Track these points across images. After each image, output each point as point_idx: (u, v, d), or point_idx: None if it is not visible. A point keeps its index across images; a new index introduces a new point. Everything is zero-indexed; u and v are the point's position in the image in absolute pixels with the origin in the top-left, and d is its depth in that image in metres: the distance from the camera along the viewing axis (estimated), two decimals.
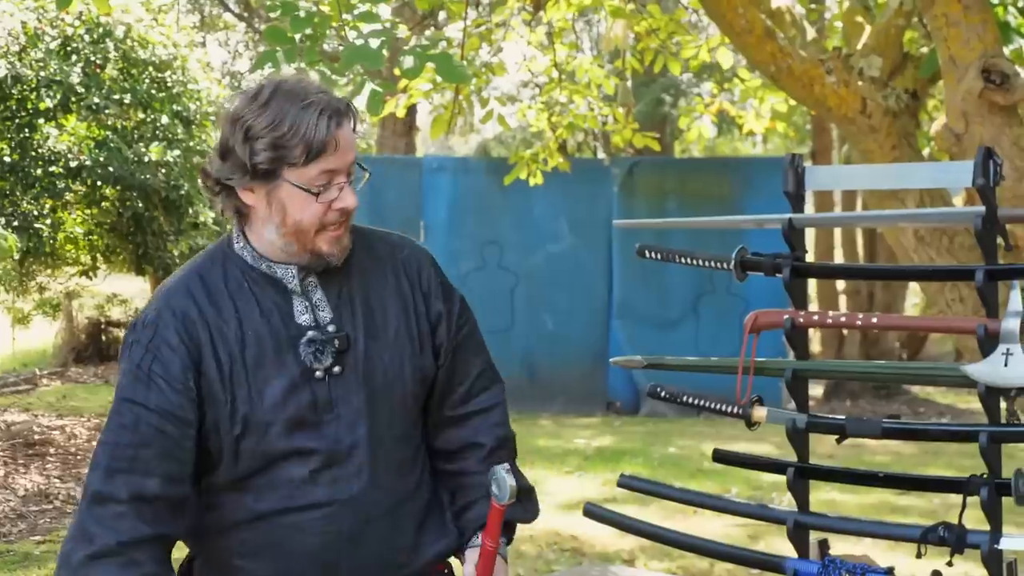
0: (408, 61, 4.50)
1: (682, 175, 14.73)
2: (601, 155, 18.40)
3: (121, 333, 18.28)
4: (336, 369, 2.67)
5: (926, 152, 8.92)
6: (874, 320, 3.62)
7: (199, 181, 2.73)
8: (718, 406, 3.84)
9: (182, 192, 11.72)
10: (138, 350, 2.59)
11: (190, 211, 12.12)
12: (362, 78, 4.59)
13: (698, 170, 15.61)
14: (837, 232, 17.32)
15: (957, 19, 5.10)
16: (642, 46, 8.28)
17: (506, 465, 2.72)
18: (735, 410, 3.80)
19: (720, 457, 3.90)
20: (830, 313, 3.70)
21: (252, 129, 2.54)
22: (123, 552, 2.45)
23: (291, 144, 2.53)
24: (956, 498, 3.20)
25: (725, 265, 3.83)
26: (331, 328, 2.68)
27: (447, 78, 4.61)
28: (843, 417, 3.63)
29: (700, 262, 3.90)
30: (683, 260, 3.93)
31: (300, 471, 2.64)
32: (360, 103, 4.76)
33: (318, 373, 2.66)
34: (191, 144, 12.03)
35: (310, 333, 2.65)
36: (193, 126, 12.26)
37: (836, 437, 3.64)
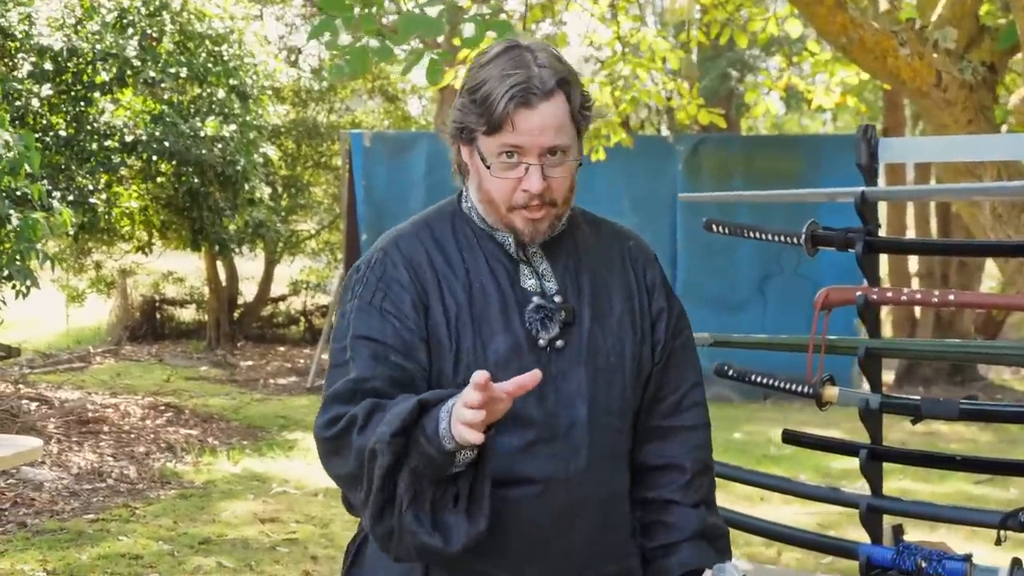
0: (468, 29, 4.48)
1: (749, 153, 14.62)
2: (665, 132, 18.30)
3: (177, 311, 18.48)
4: (559, 343, 2.59)
5: (1004, 128, 8.77)
6: (951, 297, 3.57)
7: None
8: (787, 385, 3.81)
9: (238, 168, 11.75)
10: (367, 287, 2.56)
11: (246, 187, 12.16)
12: (420, 48, 4.56)
13: (765, 148, 15.48)
14: (910, 213, 17.10)
15: None
16: (708, 18, 8.21)
17: (734, 563, 2.66)
18: (805, 389, 3.77)
19: (790, 438, 3.87)
20: (905, 290, 3.65)
21: (465, 85, 2.54)
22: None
23: (477, 112, 2.50)
24: None
25: (795, 240, 3.79)
26: (557, 299, 2.61)
27: None
28: (918, 398, 3.58)
29: (769, 236, 3.87)
30: (751, 235, 3.90)
31: (518, 440, 2.53)
32: (419, 74, 4.72)
33: (541, 342, 2.58)
34: (247, 119, 12.06)
35: (535, 299, 2.59)
36: (250, 101, 12.30)
37: (910, 419, 3.60)
